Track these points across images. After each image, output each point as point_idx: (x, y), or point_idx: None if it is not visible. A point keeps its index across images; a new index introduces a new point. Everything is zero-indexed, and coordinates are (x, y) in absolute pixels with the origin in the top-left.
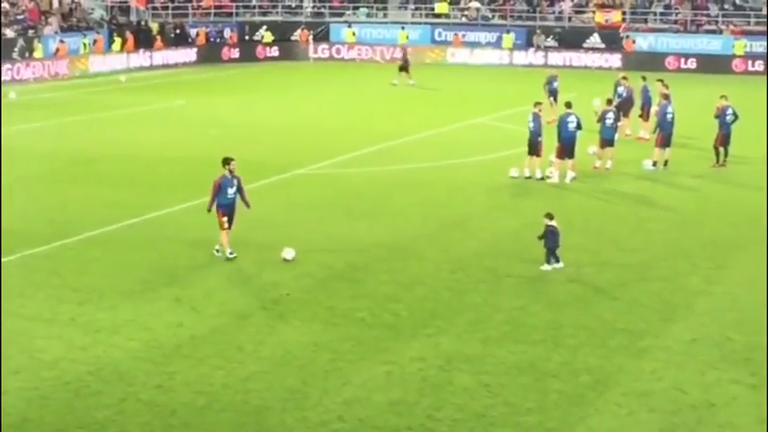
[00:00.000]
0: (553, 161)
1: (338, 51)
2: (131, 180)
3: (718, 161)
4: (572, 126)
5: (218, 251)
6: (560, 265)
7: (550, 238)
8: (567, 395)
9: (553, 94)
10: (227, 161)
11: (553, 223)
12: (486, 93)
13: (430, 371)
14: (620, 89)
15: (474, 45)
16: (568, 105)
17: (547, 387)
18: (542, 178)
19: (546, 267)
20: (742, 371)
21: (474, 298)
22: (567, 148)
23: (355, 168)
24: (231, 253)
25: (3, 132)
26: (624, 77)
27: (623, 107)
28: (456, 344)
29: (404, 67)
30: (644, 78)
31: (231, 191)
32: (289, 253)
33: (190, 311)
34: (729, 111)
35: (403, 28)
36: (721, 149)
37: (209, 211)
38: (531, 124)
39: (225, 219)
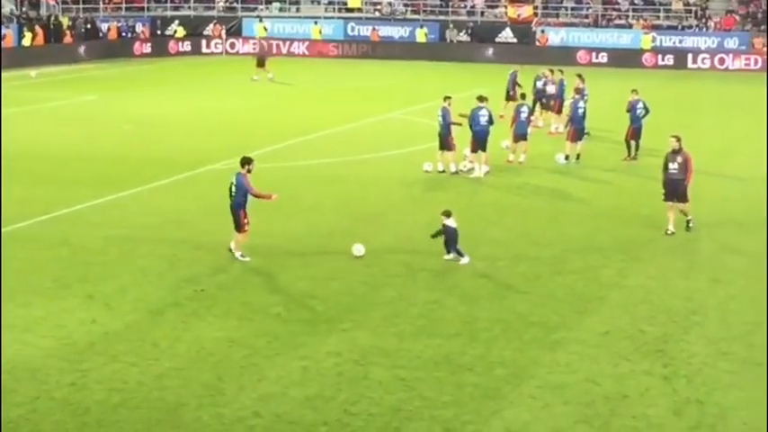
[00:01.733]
0: (467, 155)
1: (251, 46)
2: (42, 177)
3: (629, 154)
4: (484, 120)
5: (243, 256)
6: (466, 259)
7: (448, 237)
8: (482, 388)
9: (512, 89)
10: (249, 161)
11: (449, 222)
12: (398, 87)
13: (346, 365)
14: (540, 83)
15: (387, 40)
16: (481, 99)
17: (462, 380)
18: (456, 172)
19: (448, 257)
20: (654, 362)
21: (389, 292)
22: (479, 142)
23: (268, 164)
24: (242, 255)
25: None
26: (550, 70)
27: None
28: (371, 338)
29: (261, 62)
30: (561, 72)
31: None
32: (359, 249)
33: (103, 308)
34: (640, 105)
35: (316, 23)
36: (632, 143)
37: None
38: (441, 119)
39: (246, 220)
